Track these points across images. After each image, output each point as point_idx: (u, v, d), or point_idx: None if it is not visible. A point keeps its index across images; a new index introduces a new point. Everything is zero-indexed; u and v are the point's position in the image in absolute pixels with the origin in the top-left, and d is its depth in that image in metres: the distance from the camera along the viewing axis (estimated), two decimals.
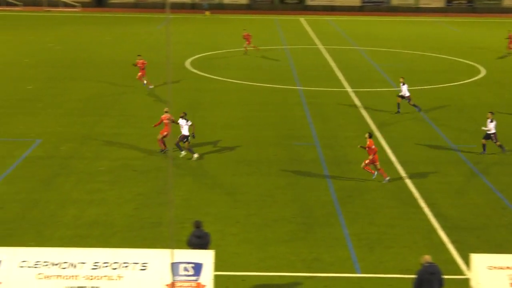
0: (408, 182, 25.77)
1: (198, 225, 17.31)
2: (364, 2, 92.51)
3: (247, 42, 54.30)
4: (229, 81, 43.85)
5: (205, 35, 66.08)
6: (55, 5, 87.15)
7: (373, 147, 25.30)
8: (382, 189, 24.99)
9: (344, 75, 46.35)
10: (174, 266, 14.77)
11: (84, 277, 14.67)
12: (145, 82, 40.32)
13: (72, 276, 14.63)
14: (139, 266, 14.87)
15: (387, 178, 25.53)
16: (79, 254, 15.25)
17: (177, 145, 27.78)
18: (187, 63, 49.64)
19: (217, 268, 15.83)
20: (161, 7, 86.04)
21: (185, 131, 27.57)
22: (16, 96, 38.46)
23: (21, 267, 14.69)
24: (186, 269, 14.93)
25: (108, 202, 23.37)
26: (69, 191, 24.31)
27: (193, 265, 14.96)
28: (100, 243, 19.88)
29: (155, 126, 28.74)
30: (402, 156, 28.77)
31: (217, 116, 34.90)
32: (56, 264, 14.72)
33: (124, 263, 14.92)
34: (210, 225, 19.82)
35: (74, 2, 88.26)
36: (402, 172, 26.78)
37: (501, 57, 54.97)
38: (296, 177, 26.02)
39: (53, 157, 27.87)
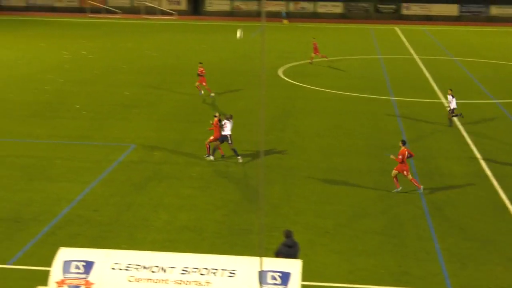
0: (504, 196, 24.99)
1: (288, 234, 17.22)
2: (461, 12, 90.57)
3: (316, 52, 53.06)
4: (321, 90, 43.73)
5: (298, 43, 66.10)
6: (153, 13, 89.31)
7: (400, 156, 24.71)
8: (477, 203, 24.33)
9: (438, 86, 45.49)
10: (262, 274, 14.77)
11: (173, 281, 14.82)
12: (201, 91, 40.90)
13: (162, 280, 14.82)
14: (227, 273, 14.91)
15: (399, 188, 25.14)
16: (169, 258, 15.43)
17: (234, 150, 28.26)
18: (280, 72, 49.82)
19: (304, 278, 15.71)
20: (255, 16, 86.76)
21: (227, 131, 28.15)
22: (113, 102, 39.55)
23: (113, 269, 14.97)
24: (273, 278, 14.87)
25: (199, 208, 23.66)
26: (161, 195, 24.76)
27: (280, 274, 14.90)
28: (190, 248, 20.12)
29: (209, 129, 29.22)
30: (498, 169, 27.94)
31: (308, 125, 34.86)
32: (147, 268, 14.95)
33: (213, 269, 14.99)
34: (299, 234, 19.74)
35: (171, 10, 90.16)
36: (497, 186, 26.01)
37: None
38: (387, 189, 25.64)
39: (147, 162, 28.46)
